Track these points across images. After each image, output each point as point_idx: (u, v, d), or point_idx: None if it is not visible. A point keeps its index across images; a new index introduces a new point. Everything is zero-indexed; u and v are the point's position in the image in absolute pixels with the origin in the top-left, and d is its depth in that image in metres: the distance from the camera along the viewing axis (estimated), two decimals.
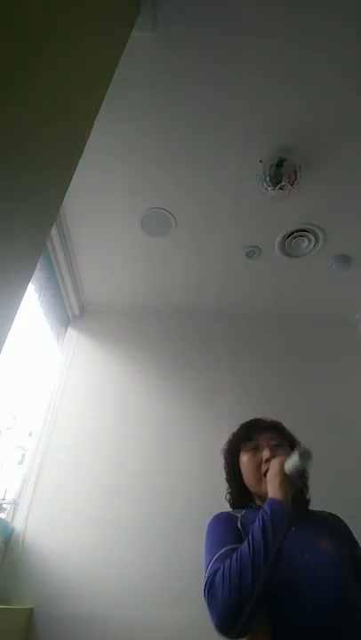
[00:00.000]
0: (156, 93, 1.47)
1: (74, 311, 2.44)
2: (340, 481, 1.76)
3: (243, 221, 1.95)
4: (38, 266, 1.90)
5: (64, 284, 2.22)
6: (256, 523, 0.78)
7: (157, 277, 2.32)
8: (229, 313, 2.49)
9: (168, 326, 2.44)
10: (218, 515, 0.95)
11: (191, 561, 1.50)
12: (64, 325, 2.43)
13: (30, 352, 2.15)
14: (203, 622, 1.46)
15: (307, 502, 1.02)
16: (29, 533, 1.70)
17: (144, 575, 1.62)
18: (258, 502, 0.98)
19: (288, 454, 0.89)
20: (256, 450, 1.01)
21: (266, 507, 0.80)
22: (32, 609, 1.53)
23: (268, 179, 1.64)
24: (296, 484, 0.87)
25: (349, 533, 0.95)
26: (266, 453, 0.97)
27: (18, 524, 1.72)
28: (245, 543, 0.76)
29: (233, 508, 1.03)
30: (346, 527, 0.96)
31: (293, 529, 0.87)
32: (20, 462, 1.97)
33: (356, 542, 0.93)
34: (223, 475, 1.09)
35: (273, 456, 0.93)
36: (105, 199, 1.87)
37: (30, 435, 2.04)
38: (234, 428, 1.12)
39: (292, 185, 1.64)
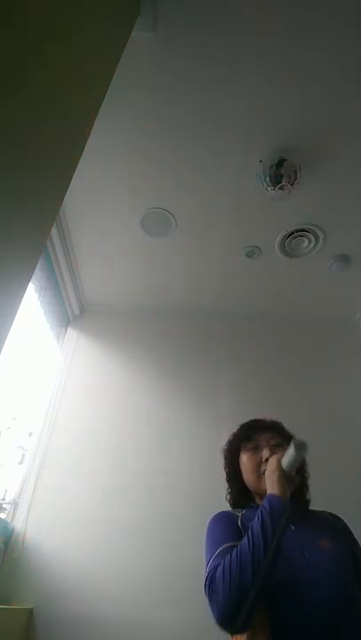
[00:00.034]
0: (156, 93, 1.47)
1: (74, 311, 2.44)
2: (340, 481, 1.76)
3: (243, 221, 1.95)
4: (38, 266, 1.90)
5: (64, 284, 2.22)
6: (255, 519, 0.78)
7: (157, 277, 2.32)
8: (229, 313, 2.49)
9: (168, 326, 2.44)
10: (218, 514, 0.96)
11: (191, 561, 1.50)
12: (64, 325, 2.43)
13: (30, 352, 2.15)
14: (203, 622, 1.46)
15: (307, 502, 1.03)
16: (29, 533, 1.70)
17: (144, 575, 1.62)
18: (258, 501, 0.98)
19: None
20: (256, 450, 1.01)
21: (265, 502, 0.81)
22: (32, 609, 1.53)
23: (268, 179, 1.64)
24: (295, 481, 0.87)
25: (350, 533, 0.95)
26: (266, 453, 0.97)
27: (18, 524, 1.72)
28: (245, 539, 0.76)
29: (233, 508, 1.03)
30: (346, 527, 0.96)
31: (293, 528, 0.87)
32: (20, 462, 1.97)
33: (356, 541, 0.93)
34: (223, 475, 1.10)
35: (272, 455, 0.93)
36: (105, 199, 1.87)
37: (30, 435, 2.04)
38: (234, 428, 1.12)
39: (292, 185, 1.64)
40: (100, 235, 2.05)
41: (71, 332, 2.40)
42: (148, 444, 1.98)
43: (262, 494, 0.90)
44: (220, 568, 0.74)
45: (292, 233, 1.98)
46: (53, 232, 1.91)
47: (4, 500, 1.81)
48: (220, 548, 0.80)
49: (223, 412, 2.06)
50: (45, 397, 2.11)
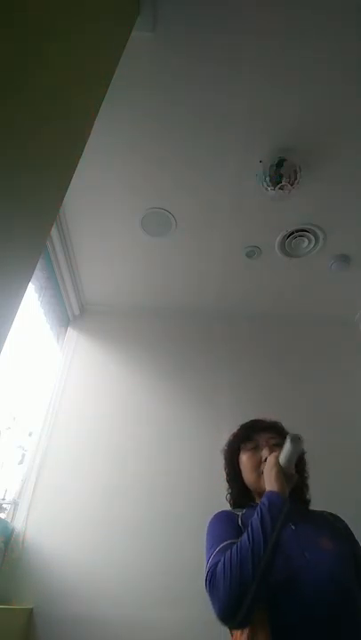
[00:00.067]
0: (156, 93, 1.47)
1: (74, 311, 2.44)
2: (340, 481, 1.76)
3: (243, 221, 1.95)
4: (38, 266, 1.90)
5: (64, 284, 2.22)
6: (255, 515, 0.79)
7: (157, 277, 2.32)
8: (229, 313, 2.49)
9: (168, 326, 2.44)
10: (218, 513, 0.96)
11: (191, 561, 1.50)
12: (64, 325, 2.43)
13: (30, 352, 2.15)
14: (203, 622, 1.46)
15: (307, 502, 1.03)
16: (29, 533, 1.70)
17: (144, 575, 1.62)
18: (258, 501, 0.98)
19: None
20: (256, 449, 1.02)
21: (264, 499, 0.81)
22: (32, 609, 1.53)
23: (268, 179, 1.64)
24: (293, 479, 0.88)
25: (350, 534, 0.95)
26: (265, 452, 0.98)
27: (18, 524, 1.72)
28: (245, 535, 0.77)
29: (233, 508, 1.03)
30: (347, 527, 0.96)
31: (294, 527, 0.87)
32: (20, 462, 1.97)
33: (356, 542, 0.93)
34: (223, 475, 1.10)
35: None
36: (105, 199, 1.87)
37: (30, 435, 2.04)
38: (234, 428, 1.13)
39: (292, 185, 1.64)
40: (100, 235, 2.05)
41: (71, 332, 2.40)
42: (148, 444, 1.98)
43: (262, 493, 0.90)
44: (220, 564, 0.75)
45: (292, 233, 1.98)
46: (53, 232, 1.91)
47: (4, 499, 1.81)
48: (221, 545, 0.81)
49: (223, 411, 2.06)
50: (45, 397, 2.11)
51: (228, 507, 1.06)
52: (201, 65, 1.39)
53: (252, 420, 1.11)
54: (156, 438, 2.00)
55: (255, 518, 0.78)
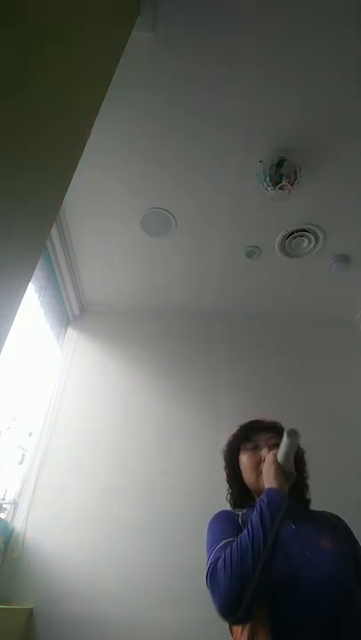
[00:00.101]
0: (156, 93, 1.47)
1: (74, 311, 2.44)
2: (341, 481, 1.76)
3: (243, 221, 1.95)
4: (38, 266, 1.90)
5: (64, 283, 2.22)
6: (254, 511, 0.80)
7: (157, 277, 2.32)
8: (229, 313, 2.49)
9: (168, 326, 2.44)
10: (219, 512, 0.96)
11: (191, 561, 1.50)
12: (64, 325, 2.43)
13: (30, 352, 2.15)
14: (203, 622, 1.46)
15: (307, 502, 1.03)
16: (29, 533, 1.70)
17: (144, 575, 1.62)
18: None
19: None
20: (255, 449, 1.02)
21: (263, 496, 0.82)
22: (32, 609, 1.53)
23: (268, 179, 1.64)
24: (292, 476, 0.88)
25: (351, 534, 0.95)
26: (265, 452, 0.98)
27: (18, 524, 1.72)
28: (245, 531, 0.77)
29: (234, 508, 1.04)
30: (347, 527, 0.96)
31: (294, 527, 0.87)
32: (20, 462, 1.97)
33: (356, 542, 0.93)
34: (223, 475, 1.10)
35: None
36: (105, 199, 1.87)
37: (30, 435, 2.04)
38: (234, 428, 1.13)
39: (292, 185, 1.64)
40: (100, 235, 2.05)
41: (71, 332, 2.40)
42: (148, 444, 1.98)
43: (262, 492, 0.91)
44: (220, 560, 0.75)
45: (292, 233, 1.98)
46: (53, 232, 1.91)
47: (4, 499, 1.81)
48: (222, 543, 0.81)
49: (223, 412, 2.06)
50: (45, 397, 2.11)
51: (228, 507, 1.06)
52: (201, 65, 1.39)
53: (251, 421, 1.11)
54: (156, 438, 2.00)
55: (255, 515, 0.79)
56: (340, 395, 2.20)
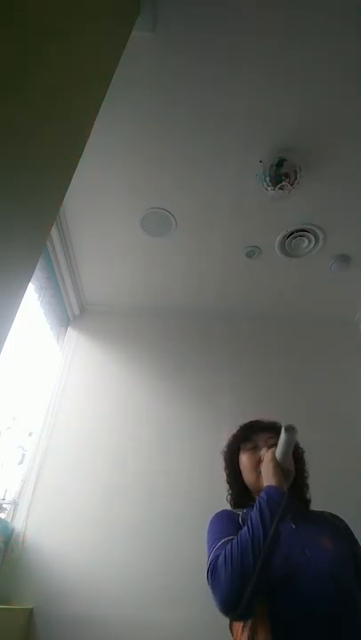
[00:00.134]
0: (156, 93, 1.47)
1: (74, 311, 2.44)
2: (341, 481, 1.76)
3: (243, 221, 1.95)
4: (38, 266, 1.90)
5: (64, 283, 2.22)
6: (254, 509, 0.80)
7: (157, 277, 2.32)
8: (229, 313, 2.49)
9: (168, 326, 2.44)
10: (219, 512, 0.97)
11: (191, 561, 1.50)
12: (64, 325, 2.43)
13: (30, 352, 2.15)
14: (203, 622, 1.47)
15: (307, 502, 1.03)
16: (29, 533, 1.70)
17: (144, 575, 1.62)
18: None
19: None
20: (255, 449, 1.03)
21: (262, 493, 0.83)
22: (32, 609, 1.53)
23: (268, 179, 1.64)
24: (291, 474, 0.89)
25: (351, 534, 0.95)
26: (264, 452, 0.98)
27: (18, 524, 1.72)
28: (245, 528, 0.78)
29: (234, 508, 1.04)
30: (347, 527, 0.96)
31: (294, 526, 0.88)
32: (20, 462, 1.97)
33: (356, 541, 0.94)
34: (223, 475, 1.10)
35: None
36: (105, 199, 1.87)
37: (30, 435, 2.04)
38: (234, 428, 1.13)
39: (292, 185, 1.64)
40: (100, 235, 2.05)
41: (71, 332, 2.40)
42: (148, 444, 1.98)
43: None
44: (221, 556, 0.76)
45: (292, 233, 1.98)
46: (53, 232, 1.91)
47: (4, 499, 1.81)
48: (222, 541, 0.81)
49: (223, 412, 2.06)
50: (45, 397, 2.11)
51: (228, 507, 1.06)
52: (201, 65, 1.39)
53: (250, 421, 1.12)
54: (156, 438, 2.00)
55: (254, 512, 0.79)
56: (340, 395, 2.20)
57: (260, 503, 0.80)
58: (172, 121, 1.55)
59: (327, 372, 2.29)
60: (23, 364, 2.03)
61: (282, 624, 0.73)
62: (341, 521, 0.98)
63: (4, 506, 1.79)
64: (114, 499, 1.80)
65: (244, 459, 1.03)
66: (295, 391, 2.16)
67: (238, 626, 0.80)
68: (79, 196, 1.81)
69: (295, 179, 1.64)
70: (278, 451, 0.89)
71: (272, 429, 1.06)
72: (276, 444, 0.99)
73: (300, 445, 1.06)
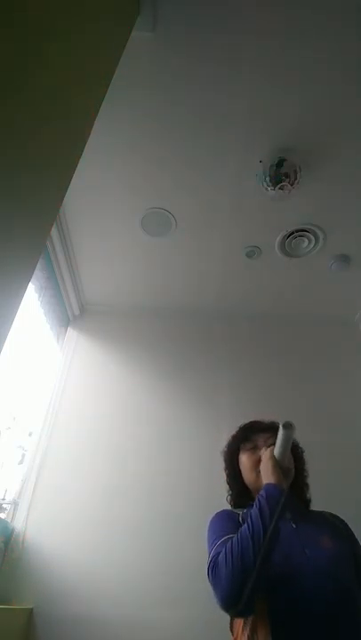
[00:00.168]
0: (156, 93, 1.47)
1: (74, 311, 2.44)
2: (341, 481, 1.76)
3: (243, 221, 1.95)
4: (38, 266, 1.90)
5: (64, 283, 2.22)
6: (254, 506, 0.81)
7: (157, 277, 2.32)
8: (229, 313, 2.49)
9: (168, 326, 2.44)
10: (220, 511, 0.97)
11: (191, 561, 1.50)
12: (64, 325, 2.43)
13: (30, 352, 2.15)
14: (203, 622, 1.47)
15: (307, 501, 1.03)
16: (29, 533, 1.70)
17: (144, 575, 1.62)
18: None
19: None
20: (254, 449, 1.03)
21: (261, 491, 0.83)
22: (32, 609, 1.53)
23: (268, 179, 1.64)
24: (290, 472, 0.89)
25: (351, 534, 0.96)
26: (264, 452, 0.98)
27: (18, 524, 1.72)
28: (245, 525, 0.79)
29: (234, 508, 1.04)
30: (347, 527, 0.97)
31: (295, 526, 0.88)
32: (20, 462, 1.97)
33: (356, 541, 0.94)
34: (223, 475, 1.10)
35: None
36: (105, 199, 1.87)
37: (30, 435, 2.04)
38: (234, 428, 1.13)
39: (292, 185, 1.64)
40: (100, 235, 2.05)
41: (71, 332, 2.40)
42: (148, 444, 1.98)
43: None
44: (222, 554, 0.76)
45: (292, 233, 1.98)
46: (53, 232, 1.91)
47: (4, 499, 1.81)
48: (223, 538, 0.82)
49: (223, 412, 2.06)
50: (45, 397, 2.11)
51: (228, 507, 1.06)
52: (201, 65, 1.39)
53: (250, 422, 1.12)
54: (156, 438, 2.00)
55: (254, 510, 0.80)
56: (340, 395, 2.20)
57: (259, 501, 0.81)
58: (172, 121, 1.55)
59: (327, 372, 2.29)
60: (23, 364, 2.03)
61: (281, 623, 0.73)
62: (341, 521, 0.98)
63: (4, 506, 1.79)
64: (114, 499, 1.80)
65: (244, 459, 1.03)
66: (295, 391, 2.16)
67: (238, 625, 0.81)
68: (79, 196, 1.81)
69: (295, 179, 1.64)
70: (276, 448, 0.89)
71: (272, 430, 1.06)
72: (275, 444, 0.99)
73: (300, 445, 1.06)
